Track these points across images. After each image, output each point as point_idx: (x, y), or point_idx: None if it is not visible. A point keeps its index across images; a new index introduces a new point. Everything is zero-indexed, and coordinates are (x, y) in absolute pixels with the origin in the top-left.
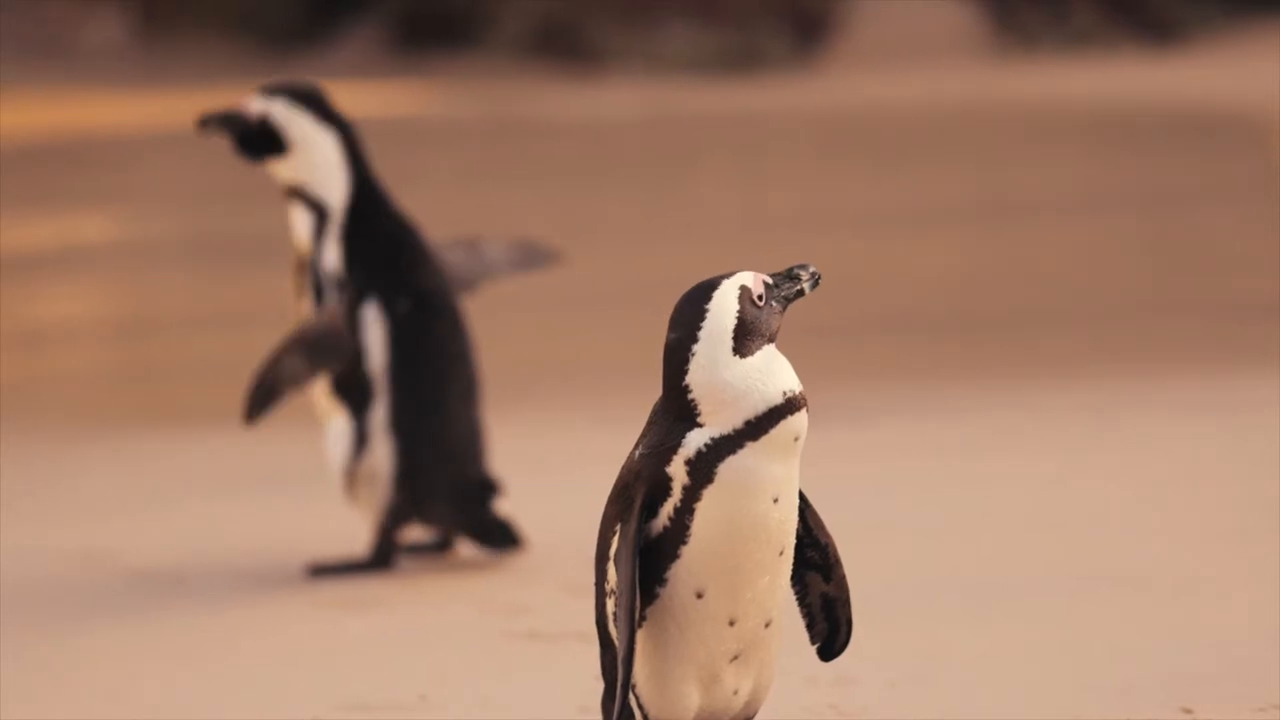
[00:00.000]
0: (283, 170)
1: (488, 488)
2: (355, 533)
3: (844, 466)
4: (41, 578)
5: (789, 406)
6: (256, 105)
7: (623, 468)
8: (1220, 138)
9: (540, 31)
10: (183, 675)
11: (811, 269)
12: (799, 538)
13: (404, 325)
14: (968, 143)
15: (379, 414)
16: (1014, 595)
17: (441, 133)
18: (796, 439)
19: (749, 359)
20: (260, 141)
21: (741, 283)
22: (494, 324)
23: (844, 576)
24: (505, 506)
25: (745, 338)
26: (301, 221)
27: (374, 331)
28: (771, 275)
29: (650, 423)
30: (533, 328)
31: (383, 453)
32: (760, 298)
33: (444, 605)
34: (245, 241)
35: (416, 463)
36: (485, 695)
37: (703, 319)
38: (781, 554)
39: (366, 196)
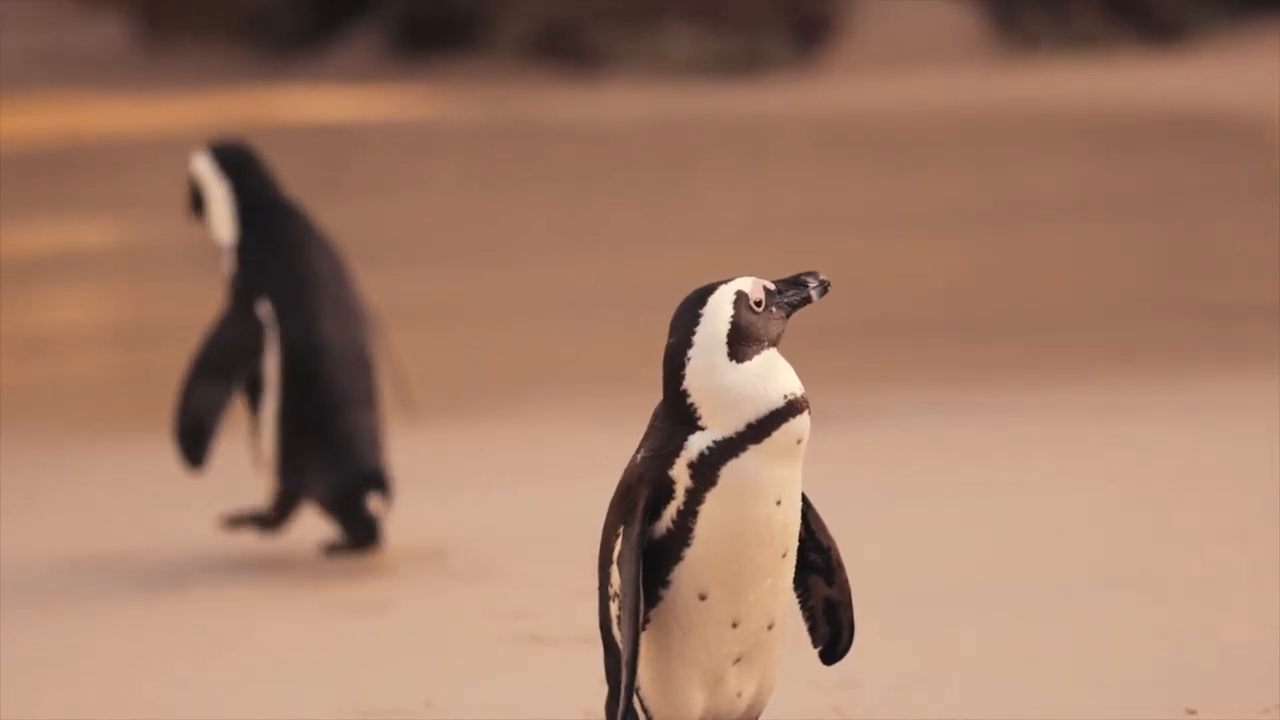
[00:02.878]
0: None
1: (369, 484)
2: None
3: (846, 469)
4: (44, 583)
5: (790, 409)
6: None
7: (625, 471)
8: (1222, 139)
9: (542, 35)
10: (187, 681)
11: (821, 276)
12: (801, 541)
13: (296, 324)
14: (970, 145)
15: (270, 407)
16: (1017, 597)
17: (444, 137)
18: (799, 442)
19: (746, 364)
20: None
21: (739, 288)
22: (495, 328)
23: (846, 580)
24: (380, 506)
25: (741, 343)
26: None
27: (267, 330)
28: (776, 281)
29: (652, 427)
30: (534, 331)
31: (269, 442)
32: (759, 303)
33: (448, 610)
34: None
35: (299, 454)
36: (489, 700)
37: (697, 324)
38: (784, 556)
39: (262, 209)
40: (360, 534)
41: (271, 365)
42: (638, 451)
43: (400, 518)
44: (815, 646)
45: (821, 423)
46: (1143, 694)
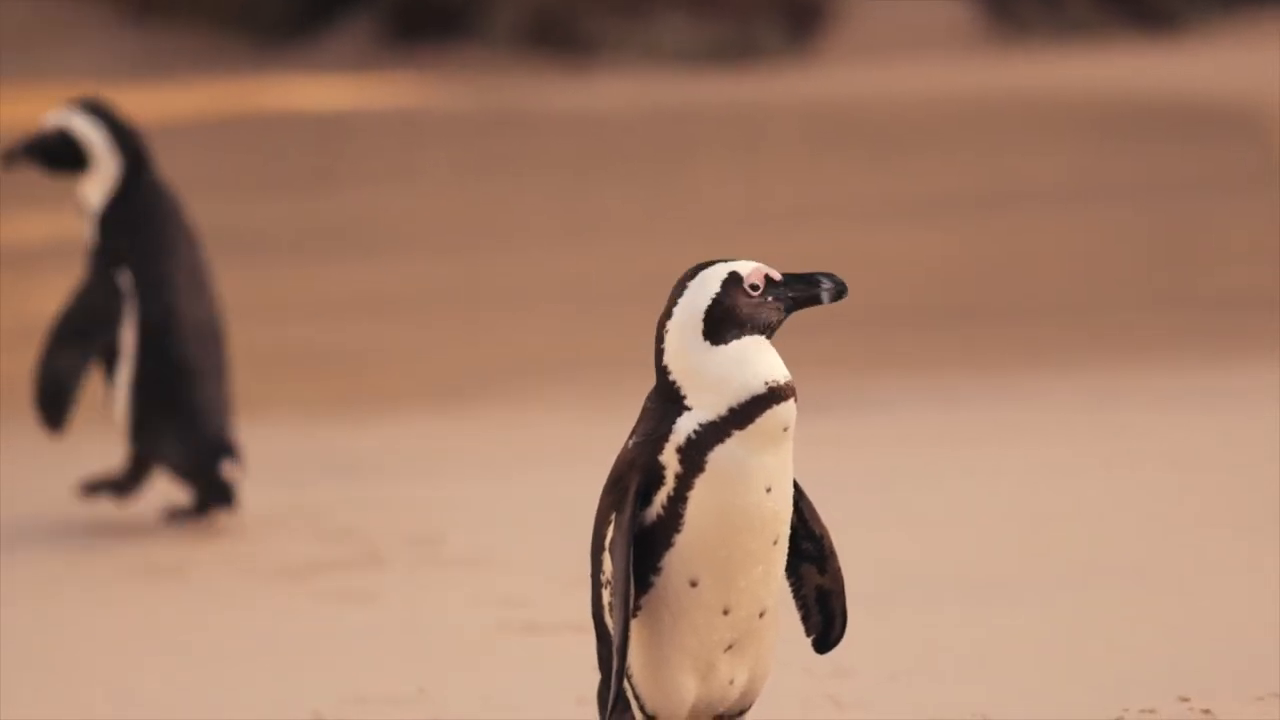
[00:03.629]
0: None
1: (220, 451)
2: (353, 526)
3: (840, 457)
4: (41, 570)
5: (773, 396)
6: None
7: (617, 458)
8: (1216, 128)
9: (535, 23)
10: (181, 669)
11: (837, 280)
12: (794, 529)
13: (154, 296)
14: (963, 134)
15: (125, 375)
16: (1012, 586)
17: (436, 126)
18: (785, 429)
19: (723, 346)
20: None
21: (735, 269)
22: (486, 317)
23: (839, 569)
24: (234, 471)
25: (720, 324)
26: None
27: (126, 299)
28: (788, 274)
29: (644, 411)
30: (526, 320)
31: (123, 409)
32: (754, 288)
33: (441, 598)
34: (239, 235)
35: (153, 421)
36: (483, 688)
37: (681, 297)
38: (775, 544)
39: (136, 178)
40: (214, 497)
41: (129, 335)
42: (630, 437)
43: (392, 506)
44: (808, 635)
45: (815, 411)
46: (1136, 682)
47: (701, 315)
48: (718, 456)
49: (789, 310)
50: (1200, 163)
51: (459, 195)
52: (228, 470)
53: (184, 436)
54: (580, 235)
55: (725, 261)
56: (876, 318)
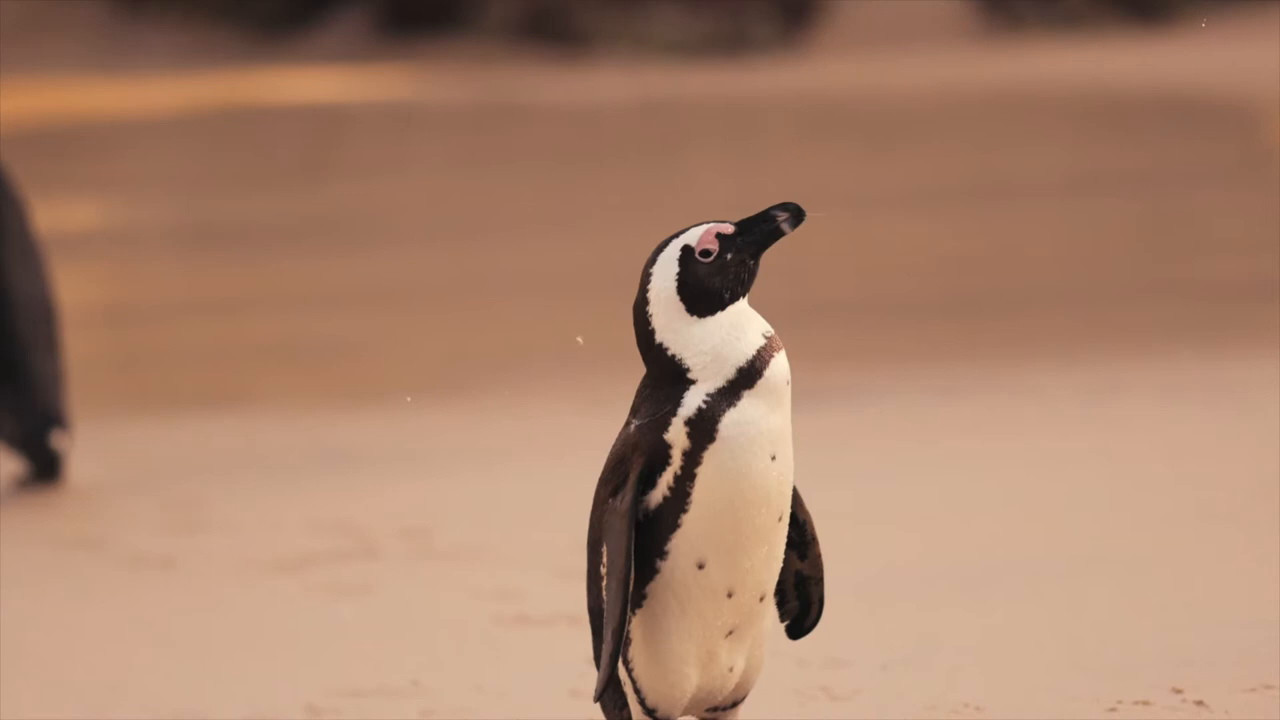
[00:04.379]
0: None
1: (51, 423)
2: (346, 518)
3: (834, 448)
4: (31, 564)
5: (770, 348)
6: None
7: (614, 446)
8: (1209, 119)
9: (528, 15)
10: (173, 661)
11: (791, 206)
12: None
13: None
14: (956, 125)
15: None
16: (1006, 577)
17: (429, 117)
18: (787, 381)
19: (711, 318)
20: None
21: (685, 242)
22: (480, 307)
23: (819, 555)
24: (62, 441)
25: (696, 298)
26: None
27: None
28: (738, 222)
29: (641, 397)
30: (519, 311)
31: None
32: (706, 253)
33: (435, 590)
34: (230, 227)
35: None
36: (477, 680)
37: (649, 282)
38: (780, 520)
39: None
40: (45, 468)
41: None
42: (628, 424)
43: (384, 498)
44: (782, 620)
45: (808, 402)
46: (1129, 673)
47: (676, 295)
48: (729, 422)
49: (755, 255)
50: (1194, 154)
51: (452, 187)
52: (56, 439)
53: (15, 409)
54: (573, 226)
55: (676, 236)
56: (871, 310)
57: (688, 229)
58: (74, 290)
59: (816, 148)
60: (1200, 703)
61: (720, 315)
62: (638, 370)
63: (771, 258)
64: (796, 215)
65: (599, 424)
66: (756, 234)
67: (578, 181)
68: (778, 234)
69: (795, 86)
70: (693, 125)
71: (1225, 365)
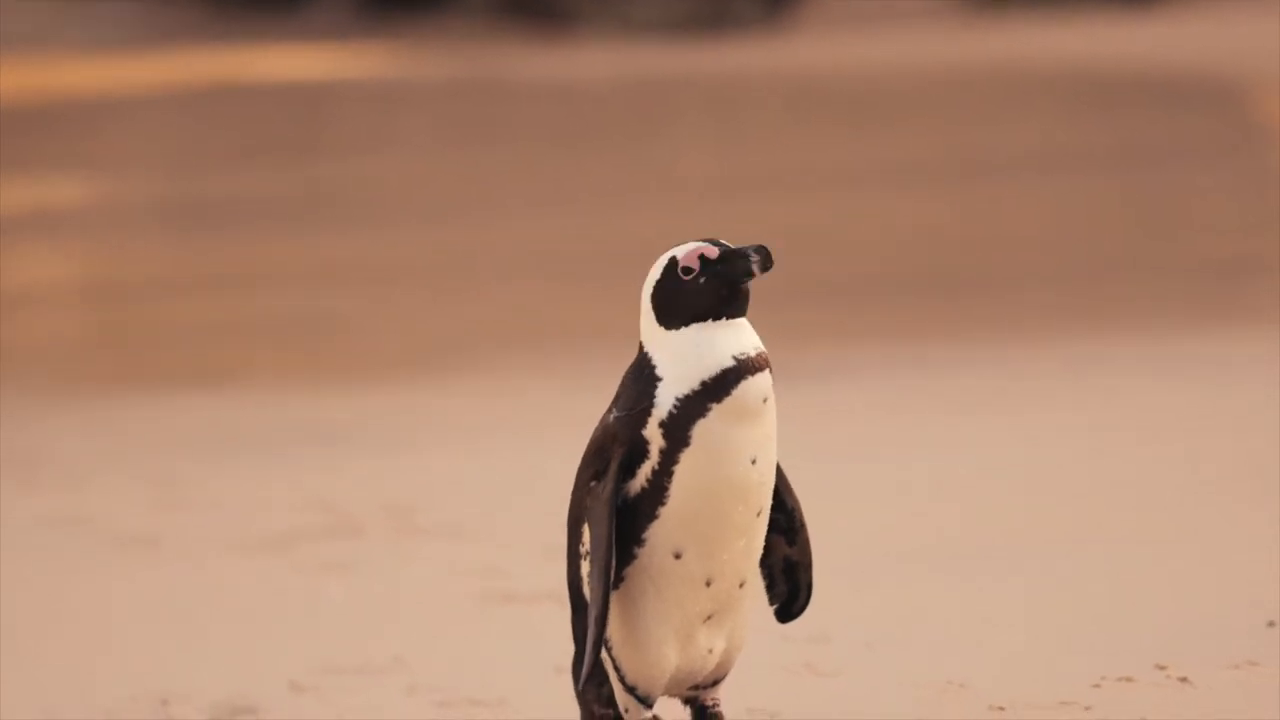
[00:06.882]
0: None
1: None
2: (330, 495)
3: (818, 426)
4: (17, 541)
5: (744, 368)
6: None
7: (596, 429)
8: (1192, 97)
9: None
10: (158, 637)
11: (764, 251)
12: None
13: None
14: (940, 103)
15: None
16: (990, 554)
17: (414, 95)
18: (764, 400)
19: (677, 332)
20: None
21: (673, 254)
22: (464, 286)
23: (808, 541)
24: None
25: (663, 309)
26: None
27: None
28: (724, 249)
29: (623, 385)
30: (503, 289)
31: None
32: (687, 271)
33: (418, 568)
34: (216, 205)
35: None
36: (459, 657)
37: (647, 279)
38: (759, 515)
39: None
40: None
41: None
42: (609, 411)
43: (369, 476)
44: (770, 605)
45: (793, 380)
46: (1113, 649)
47: (652, 303)
48: (701, 431)
49: (726, 286)
50: (1176, 132)
51: (436, 164)
52: None
53: None
54: (558, 204)
55: (681, 246)
56: (855, 287)
57: (689, 243)
58: (60, 268)
59: (799, 126)
60: (1184, 679)
61: (685, 330)
62: (622, 347)
63: (755, 235)
64: (765, 262)
65: (584, 402)
66: (729, 268)
67: (561, 159)
68: (748, 275)
69: (778, 64)
70: (676, 103)
71: (1208, 341)
